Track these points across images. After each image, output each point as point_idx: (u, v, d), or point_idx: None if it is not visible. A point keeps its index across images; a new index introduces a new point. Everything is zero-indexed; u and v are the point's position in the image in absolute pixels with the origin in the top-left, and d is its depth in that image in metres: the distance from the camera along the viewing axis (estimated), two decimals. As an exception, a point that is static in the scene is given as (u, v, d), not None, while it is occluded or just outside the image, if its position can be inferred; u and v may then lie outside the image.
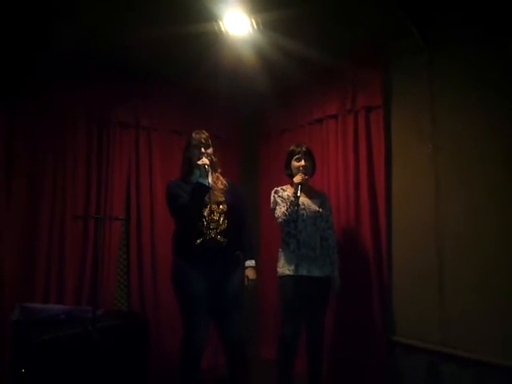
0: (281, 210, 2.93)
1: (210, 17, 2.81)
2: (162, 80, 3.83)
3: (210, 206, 2.74)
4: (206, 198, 2.70)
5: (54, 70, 3.32)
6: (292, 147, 3.10)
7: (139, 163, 3.76)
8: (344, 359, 3.30)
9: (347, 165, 3.43)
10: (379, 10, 2.84)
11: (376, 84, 3.25)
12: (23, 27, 2.95)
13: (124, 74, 3.66)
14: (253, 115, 4.43)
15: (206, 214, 2.72)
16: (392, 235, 3.21)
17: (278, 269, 3.00)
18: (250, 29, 2.94)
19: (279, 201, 2.99)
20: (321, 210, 3.04)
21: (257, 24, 2.90)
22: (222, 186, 2.87)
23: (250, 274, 2.91)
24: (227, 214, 2.78)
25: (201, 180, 2.63)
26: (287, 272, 2.93)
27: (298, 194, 2.86)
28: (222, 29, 2.94)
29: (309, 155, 3.08)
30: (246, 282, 2.90)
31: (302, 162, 3.01)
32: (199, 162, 2.67)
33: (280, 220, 2.94)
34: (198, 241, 2.68)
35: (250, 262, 2.93)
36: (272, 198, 3.05)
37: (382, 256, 3.21)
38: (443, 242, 2.90)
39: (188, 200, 2.65)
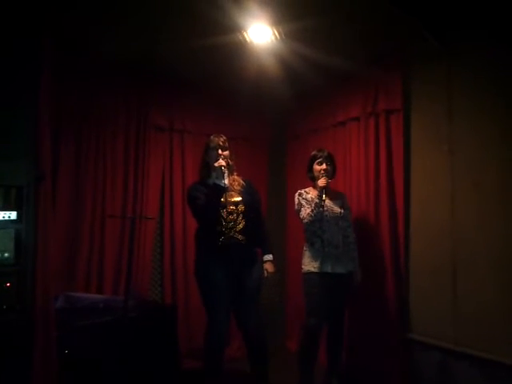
0: (306, 212, 3.12)
1: (235, 28, 3.00)
2: (194, 86, 4.07)
3: (228, 207, 2.94)
4: (224, 200, 2.89)
5: (96, 75, 3.56)
6: (314, 152, 3.29)
7: (173, 165, 4.01)
8: (361, 355, 3.43)
9: (368, 166, 3.53)
10: (397, 17, 2.90)
11: (396, 88, 3.33)
12: (68, 30, 3.12)
13: (159, 81, 3.91)
14: (279, 117, 4.62)
15: (224, 214, 2.92)
16: (410, 235, 3.31)
17: (303, 266, 3.18)
18: (273, 38, 3.11)
19: (303, 203, 3.18)
20: (342, 210, 3.22)
21: (279, 34, 3.07)
22: (238, 187, 3.07)
23: (269, 267, 3.11)
24: (245, 214, 2.98)
25: (217, 181, 2.85)
26: (312, 269, 3.11)
27: (323, 198, 3.04)
28: (247, 39, 3.12)
29: (330, 159, 3.26)
30: (265, 275, 3.09)
31: (324, 166, 3.20)
32: (216, 164, 2.89)
33: (305, 221, 3.13)
34: (219, 240, 2.89)
35: (268, 257, 3.13)
36: (296, 200, 3.24)
37: (400, 255, 3.30)
38: (458, 243, 2.97)
39: (206, 201, 2.86)
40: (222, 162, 2.88)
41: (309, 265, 3.14)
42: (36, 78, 2.27)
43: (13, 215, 2.15)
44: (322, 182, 3.11)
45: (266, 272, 3.11)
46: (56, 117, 3.24)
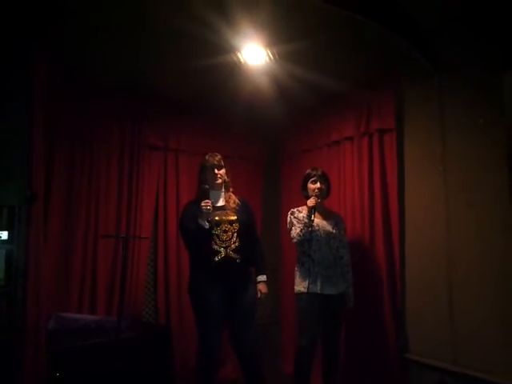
0: (296, 231, 3.09)
1: (230, 49, 3.03)
2: (189, 106, 4.10)
3: (223, 226, 2.93)
4: (218, 218, 2.91)
5: (89, 94, 3.59)
6: (308, 171, 3.27)
7: (167, 183, 4.01)
8: (358, 376, 3.37)
9: (362, 185, 3.54)
10: (388, 38, 2.95)
11: (389, 108, 3.36)
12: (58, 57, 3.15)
13: (154, 101, 3.94)
14: (274, 137, 4.64)
15: (219, 233, 2.91)
16: (405, 253, 3.29)
17: (295, 286, 3.15)
18: (267, 59, 3.15)
19: (295, 222, 3.16)
20: (334, 230, 3.18)
21: (273, 55, 3.11)
22: (234, 205, 3.06)
23: (263, 288, 3.09)
24: (239, 232, 2.96)
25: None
26: (302, 289, 3.08)
27: (312, 218, 3.02)
28: (242, 60, 3.16)
29: (324, 178, 3.24)
30: (258, 296, 3.07)
31: (318, 185, 3.18)
32: (202, 204, 2.80)
33: (295, 240, 3.11)
34: (213, 259, 2.87)
35: (262, 277, 3.11)
36: (288, 218, 3.22)
37: (396, 275, 3.28)
38: (454, 262, 2.95)
39: (192, 236, 2.89)
40: (208, 204, 2.80)
41: (299, 285, 3.11)
42: (29, 98, 2.28)
43: (4, 235, 2.13)
44: (310, 201, 3.07)
45: (259, 293, 3.08)
46: (49, 136, 3.23)
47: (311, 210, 3.04)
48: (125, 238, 2.99)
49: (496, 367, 2.68)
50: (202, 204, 2.81)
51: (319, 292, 3.05)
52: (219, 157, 3.08)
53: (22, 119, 2.25)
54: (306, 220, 3.04)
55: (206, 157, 3.10)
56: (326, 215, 3.24)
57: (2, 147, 2.17)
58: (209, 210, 2.80)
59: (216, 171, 3.01)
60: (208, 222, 2.83)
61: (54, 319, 3.06)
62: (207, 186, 2.92)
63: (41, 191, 2.44)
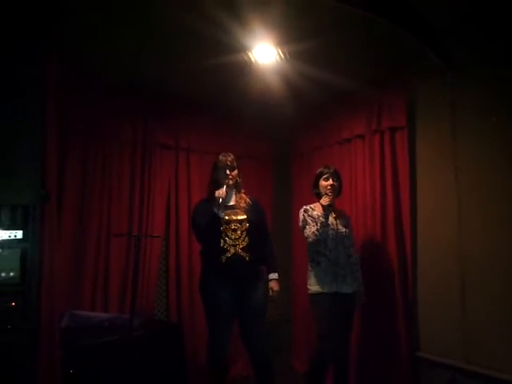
0: (311, 230, 3.04)
1: (241, 49, 3.04)
2: (200, 106, 4.12)
3: (232, 225, 2.95)
4: (228, 217, 2.93)
5: (101, 94, 3.62)
6: (321, 169, 3.23)
7: (178, 182, 4.04)
8: (369, 374, 3.37)
9: (374, 183, 3.53)
10: (399, 37, 2.93)
11: (400, 106, 3.35)
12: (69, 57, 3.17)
13: (165, 101, 3.96)
14: (284, 135, 4.64)
15: (228, 232, 2.93)
16: (417, 253, 3.28)
17: (310, 286, 3.10)
18: (278, 58, 3.15)
19: (309, 220, 3.10)
20: (347, 229, 3.17)
21: (283, 54, 3.11)
22: (244, 205, 3.07)
23: (274, 285, 3.10)
24: (249, 231, 2.98)
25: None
26: (320, 289, 3.03)
27: (330, 217, 3.02)
28: (252, 59, 3.16)
29: (337, 176, 3.20)
30: (270, 293, 3.08)
31: (330, 181, 3.14)
32: (216, 194, 2.87)
33: (310, 240, 3.05)
34: (222, 257, 2.90)
35: (274, 275, 3.12)
36: (301, 216, 3.16)
37: (408, 273, 3.27)
38: (466, 260, 2.94)
39: (205, 227, 2.90)
40: (220, 193, 2.87)
41: (316, 285, 3.06)
42: (41, 97, 2.30)
43: (19, 234, 2.17)
44: (324, 200, 3.05)
45: (271, 291, 3.10)
46: (62, 135, 3.23)
47: (328, 209, 3.03)
48: (137, 236, 3.02)
49: (508, 365, 2.65)
50: (216, 194, 2.86)
51: (338, 291, 3.03)
52: (232, 157, 3.09)
53: (35, 118, 2.27)
54: (323, 219, 3.02)
55: (220, 156, 3.11)
56: (337, 214, 3.21)
57: (15, 147, 2.20)
58: (221, 195, 2.84)
59: (228, 172, 3.02)
60: (220, 210, 2.87)
61: (68, 317, 3.10)
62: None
63: (54, 190, 2.47)
